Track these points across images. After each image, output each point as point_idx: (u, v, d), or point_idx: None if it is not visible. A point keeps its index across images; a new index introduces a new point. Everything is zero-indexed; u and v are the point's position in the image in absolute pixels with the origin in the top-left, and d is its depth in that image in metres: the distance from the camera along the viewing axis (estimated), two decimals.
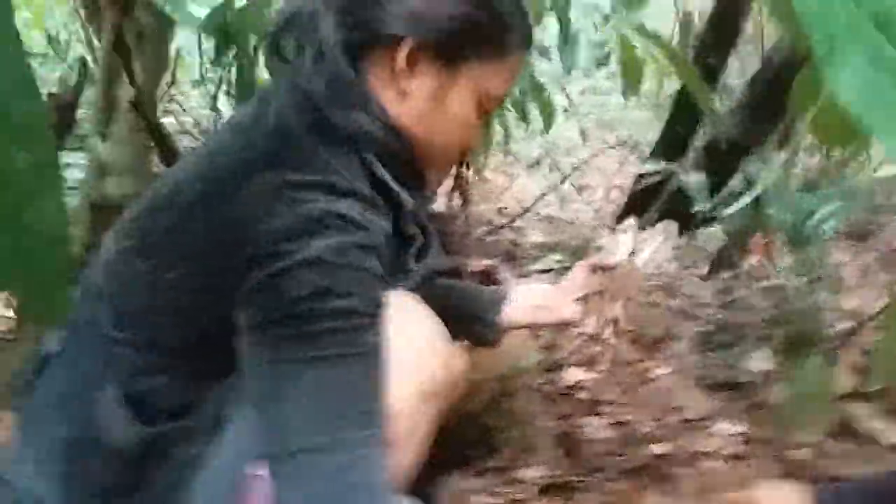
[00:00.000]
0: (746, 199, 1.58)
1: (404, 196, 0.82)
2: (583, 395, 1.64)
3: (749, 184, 1.52)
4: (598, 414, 1.60)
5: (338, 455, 0.69)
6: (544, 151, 3.81)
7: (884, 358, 1.12)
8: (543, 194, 2.72)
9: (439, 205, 2.47)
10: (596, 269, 1.09)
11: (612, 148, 4.16)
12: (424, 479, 1.36)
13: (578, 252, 2.30)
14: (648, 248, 1.09)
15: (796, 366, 1.29)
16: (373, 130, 0.79)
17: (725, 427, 1.53)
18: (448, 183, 2.31)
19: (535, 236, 2.87)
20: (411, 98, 0.82)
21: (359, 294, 0.72)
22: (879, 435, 1.63)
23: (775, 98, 1.75)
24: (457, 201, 2.35)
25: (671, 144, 1.99)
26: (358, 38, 0.80)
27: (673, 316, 2.17)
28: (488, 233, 2.47)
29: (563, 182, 2.90)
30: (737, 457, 1.45)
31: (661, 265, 1.10)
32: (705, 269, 2.35)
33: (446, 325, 1.16)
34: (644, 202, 1.92)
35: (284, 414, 0.70)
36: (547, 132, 2.13)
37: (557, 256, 2.51)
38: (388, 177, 0.80)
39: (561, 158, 4.28)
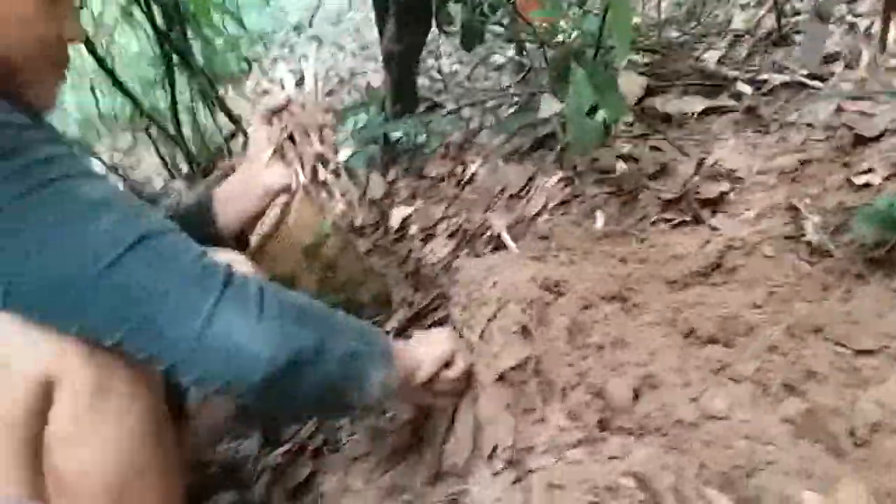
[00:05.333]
0: None
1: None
2: (413, 229, 1.59)
3: None
4: (432, 237, 1.56)
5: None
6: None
7: (620, 21, 1.09)
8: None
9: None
10: (270, 116, 1.00)
11: None
12: None
13: (372, 100, 2.19)
14: (308, 73, 1.02)
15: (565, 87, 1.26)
16: None
17: (545, 181, 1.52)
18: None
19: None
20: None
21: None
22: (690, 108, 1.66)
23: None
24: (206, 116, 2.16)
25: None
26: None
27: (479, 115, 2.13)
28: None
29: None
30: (564, 202, 1.45)
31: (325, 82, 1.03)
32: None
33: None
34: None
35: (100, 225, 0.66)
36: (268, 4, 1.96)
37: (355, 116, 2.39)
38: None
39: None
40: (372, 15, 1.96)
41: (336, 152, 1.02)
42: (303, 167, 0.98)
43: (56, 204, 0.64)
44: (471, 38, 1.63)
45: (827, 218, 1.09)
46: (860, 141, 1.30)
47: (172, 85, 1.90)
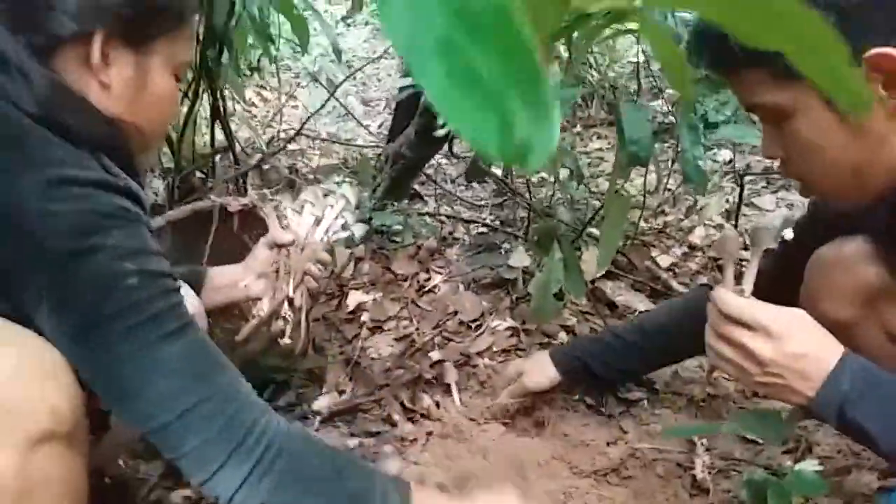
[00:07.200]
0: None
1: (139, 191, 0.81)
2: (365, 316, 1.69)
3: None
4: (381, 331, 1.66)
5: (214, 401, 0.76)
6: (319, 66, 3.70)
7: (607, 242, 1.25)
8: (310, 115, 2.65)
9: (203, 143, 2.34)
10: (273, 246, 1.23)
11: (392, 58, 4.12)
12: None
13: (361, 172, 2.32)
14: (327, 219, 1.28)
15: (545, 257, 1.42)
16: (95, 129, 0.78)
17: (496, 324, 1.66)
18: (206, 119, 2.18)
19: (315, 159, 2.83)
20: (113, 89, 0.82)
21: (170, 273, 0.78)
22: (632, 305, 1.86)
23: None
24: (219, 135, 2.23)
25: None
26: (44, 42, 0.77)
27: (451, 223, 2.28)
28: (261, 161, 2.37)
29: (330, 97, 2.80)
30: (507, 350, 1.59)
31: (343, 230, 1.40)
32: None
33: None
34: (408, 114, 1.95)
35: (158, 389, 0.74)
36: (304, 53, 2.06)
37: (337, 178, 2.50)
38: (121, 174, 0.80)
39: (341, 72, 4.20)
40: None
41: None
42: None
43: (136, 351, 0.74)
44: (476, 173, 1.79)
45: (715, 461, 1.26)
46: None
47: (196, 96, 1.96)
